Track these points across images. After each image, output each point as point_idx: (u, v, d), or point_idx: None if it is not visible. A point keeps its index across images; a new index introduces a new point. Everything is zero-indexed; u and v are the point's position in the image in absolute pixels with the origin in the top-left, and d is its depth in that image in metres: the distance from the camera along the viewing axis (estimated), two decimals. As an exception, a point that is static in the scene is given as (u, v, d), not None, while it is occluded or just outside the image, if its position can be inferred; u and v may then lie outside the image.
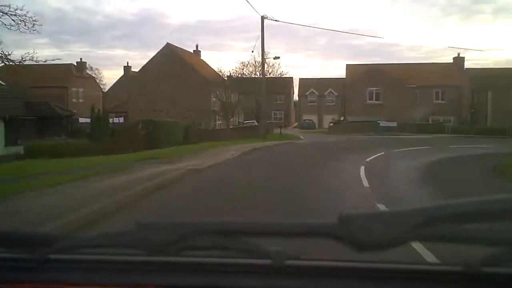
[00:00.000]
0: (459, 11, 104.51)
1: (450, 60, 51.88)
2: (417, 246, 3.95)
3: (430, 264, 0.94)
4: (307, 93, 68.12)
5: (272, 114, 70.42)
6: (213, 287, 0.91)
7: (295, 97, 74.47)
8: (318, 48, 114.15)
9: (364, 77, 46.16)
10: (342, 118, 49.36)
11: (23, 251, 0.96)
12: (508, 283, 0.85)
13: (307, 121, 62.76)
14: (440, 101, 47.95)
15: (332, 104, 67.09)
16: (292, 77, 74.30)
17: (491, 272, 0.83)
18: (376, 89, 46.80)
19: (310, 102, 67.88)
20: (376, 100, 46.85)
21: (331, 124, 46.40)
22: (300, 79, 72.73)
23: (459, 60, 50.63)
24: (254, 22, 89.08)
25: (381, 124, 38.88)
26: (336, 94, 65.78)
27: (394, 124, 39.55)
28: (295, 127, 67.93)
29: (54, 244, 0.95)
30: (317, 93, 67.51)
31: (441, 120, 46.52)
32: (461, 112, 47.37)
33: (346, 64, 52.95)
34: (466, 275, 0.83)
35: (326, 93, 67.01)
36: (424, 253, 4.25)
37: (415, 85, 45.79)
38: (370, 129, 39.82)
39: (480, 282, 0.83)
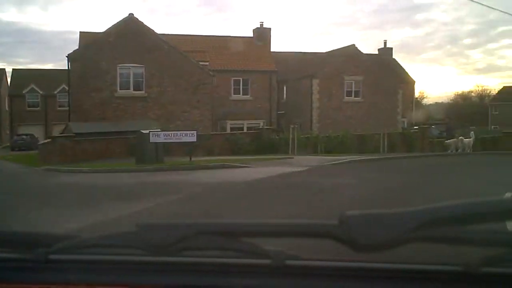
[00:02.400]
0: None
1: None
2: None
3: (430, 264, 0.89)
4: (25, 92, 42.44)
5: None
6: (213, 287, 0.90)
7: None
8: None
9: (113, 45, 22.00)
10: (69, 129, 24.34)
11: (24, 251, 0.95)
12: (508, 283, 0.84)
13: (23, 137, 37.99)
14: (240, 96, 29.17)
15: (66, 108, 42.89)
16: (4, 69, 46.90)
17: (491, 272, 0.83)
18: (135, 67, 22.41)
19: (31, 106, 42.46)
20: (135, 90, 22.73)
21: (41, 144, 20.70)
22: (14, 70, 46.35)
23: (262, 32, 31.52)
24: None
25: (151, 140, 14.34)
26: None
27: (192, 137, 14.78)
28: (5, 147, 41.06)
29: (54, 244, 0.94)
30: (41, 92, 42.54)
31: (244, 127, 28.11)
32: (271, 113, 29.86)
33: (80, 32, 28.23)
34: (466, 275, 0.83)
35: (57, 91, 42.93)
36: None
37: (207, 62, 24.94)
38: (124, 150, 17.06)
39: (480, 283, 0.83)
